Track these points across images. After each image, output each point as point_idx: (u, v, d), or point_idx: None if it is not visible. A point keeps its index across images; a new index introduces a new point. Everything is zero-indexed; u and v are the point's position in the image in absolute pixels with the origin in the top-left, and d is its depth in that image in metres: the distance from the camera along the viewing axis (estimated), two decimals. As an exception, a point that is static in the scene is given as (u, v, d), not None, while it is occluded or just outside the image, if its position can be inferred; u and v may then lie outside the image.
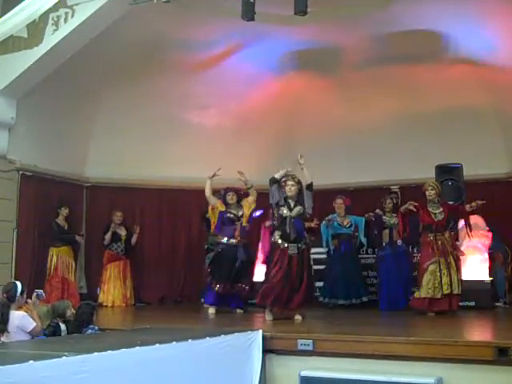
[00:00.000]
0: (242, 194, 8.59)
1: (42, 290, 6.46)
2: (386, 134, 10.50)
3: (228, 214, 8.41)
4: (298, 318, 7.14)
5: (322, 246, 9.18)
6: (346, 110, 10.63)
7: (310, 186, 7.36)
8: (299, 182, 7.36)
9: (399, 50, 9.28)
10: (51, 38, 7.92)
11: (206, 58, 9.58)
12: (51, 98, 9.00)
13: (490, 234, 9.01)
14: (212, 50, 9.42)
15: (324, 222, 9.01)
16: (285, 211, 7.23)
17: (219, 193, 8.73)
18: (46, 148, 9.44)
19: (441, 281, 7.54)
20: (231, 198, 8.47)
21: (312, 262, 8.95)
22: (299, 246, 7.19)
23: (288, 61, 9.96)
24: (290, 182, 7.31)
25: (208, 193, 8.53)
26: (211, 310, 8.28)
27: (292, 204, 7.29)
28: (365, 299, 8.91)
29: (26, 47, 8.11)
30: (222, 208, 8.49)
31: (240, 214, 8.45)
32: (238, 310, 8.38)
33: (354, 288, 8.89)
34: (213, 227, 8.68)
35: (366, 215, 8.92)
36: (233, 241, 8.33)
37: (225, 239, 8.37)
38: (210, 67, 9.77)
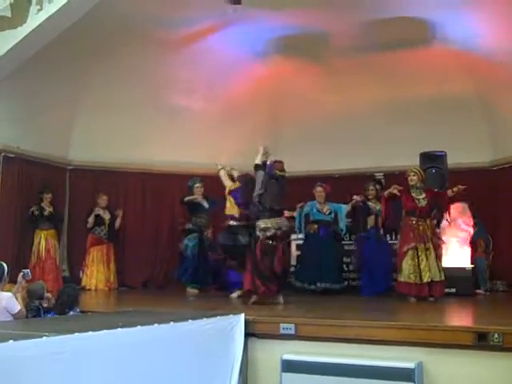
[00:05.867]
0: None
1: (28, 270, 6.38)
2: (372, 121, 10.52)
3: None
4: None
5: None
6: (332, 96, 10.62)
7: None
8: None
9: (386, 36, 9.27)
10: (35, 18, 7.77)
11: (191, 36, 9.46)
12: (34, 79, 8.89)
13: (472, 222, 9.11)
14: (192, 27, 9.25)
15: (298, 208, 9.01)
16: None
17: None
18: (29, 130, 9.36)
19: (419, 267, 7.57)
20: None
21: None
22: None
23: (274, 46, 9.92)
24: None
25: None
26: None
27: None
28: (340, 286, 8.88)
29: (9, 27, 7.95)
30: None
31: None
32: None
33: (330, 274, 8.85)
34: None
35: (354, 200, 8.93)
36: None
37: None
38: (196, 45, 9.66)
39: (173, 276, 9.89)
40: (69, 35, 8.09)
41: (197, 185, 9.34)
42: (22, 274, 6.10)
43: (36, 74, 8.85)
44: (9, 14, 7.97)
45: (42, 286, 6.24)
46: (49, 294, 6.22)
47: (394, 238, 8.91)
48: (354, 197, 8.89)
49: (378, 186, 9.14)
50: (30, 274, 6.34)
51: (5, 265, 5.96)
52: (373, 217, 8.82)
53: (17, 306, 5.65)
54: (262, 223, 7.22)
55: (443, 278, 7.72)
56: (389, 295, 8.07)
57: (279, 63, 10.43)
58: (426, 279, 7.55)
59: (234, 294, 8.09)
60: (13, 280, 6.25)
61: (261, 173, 7.39)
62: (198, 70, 10.18)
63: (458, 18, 8.69)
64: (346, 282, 9.13)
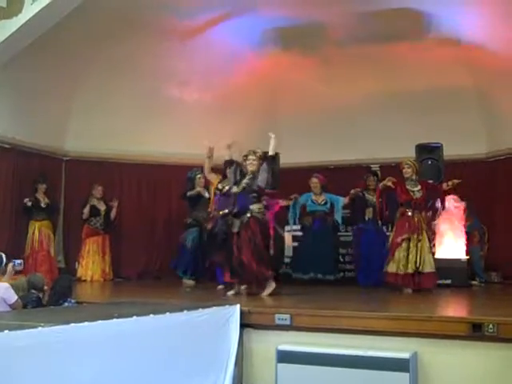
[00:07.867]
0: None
1: (21, 260, 6.36)
2: (368, 113, 10.51)
3: (221, 190, 8.12)
4: (263, 293, 7.09)
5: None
6: (328, 87, 10.60)
7: (270, 159, 7.34)
8: (261, 158, 7.31)
9: (382, 28, 9.23)
10: (31, 8, 7.74)
11: (189, 27, 9.40)
12: (30, 69, 8.85)
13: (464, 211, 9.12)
14: (194, 19, 9.22)
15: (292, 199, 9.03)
16: (234, 188, 7.28)
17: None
18: (25, 121, 9.33)
19: (407, 257, 7.58)
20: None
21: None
22: (242, 219, 7.12)
23: (271, 37, 9.87)
24: (250, 157, 7.32)
25: (207, 171, 8.37)
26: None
27: (245, 179, 7.28)
28: (334, 277, 8.91)
29: (5, 17, 7.92)
30: (216, 182, 8.38)
31: None
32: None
33: (325, 265, 8.86)
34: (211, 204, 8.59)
35: (354, 191, 8.93)
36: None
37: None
38: (193, 37, 9.61)
39: (169, 267, 9.87)
40: (65, 26, 8.07)
41: (199, 176, 9.20)
42: (12, 264, 6.11)
43: (33, 65, 8.83)
44: (4, 4, 7.94)
45: (42, 278, 6.25)
46: (45, 287, 6.23)
47: (391, 229, 8.90)
48: (353, 191, 8.90)
49: (375, 178, 9.17)
50: (21, 264, 6.33)
51: (3, 255, 5.96)
52: (371, 208, 8.84)
53: (14, 296, 5.68)
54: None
55: (434, 269, 7.70)
56: (384, 286, 8.08)
57: (275, 55, 10.38)
58: (410, 270, 7.53)
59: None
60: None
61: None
62: (194, 61, 10.13)
63: (454, 9, 8.65)
64: (341, 274, 9.18)
